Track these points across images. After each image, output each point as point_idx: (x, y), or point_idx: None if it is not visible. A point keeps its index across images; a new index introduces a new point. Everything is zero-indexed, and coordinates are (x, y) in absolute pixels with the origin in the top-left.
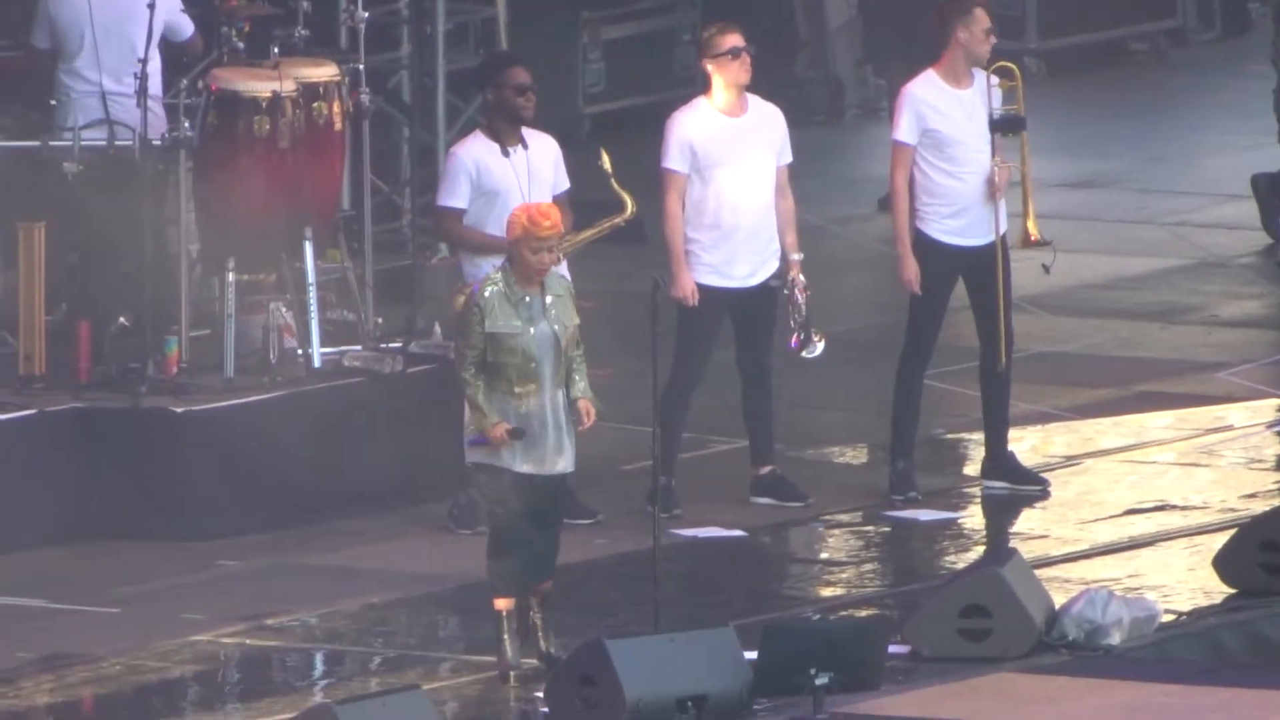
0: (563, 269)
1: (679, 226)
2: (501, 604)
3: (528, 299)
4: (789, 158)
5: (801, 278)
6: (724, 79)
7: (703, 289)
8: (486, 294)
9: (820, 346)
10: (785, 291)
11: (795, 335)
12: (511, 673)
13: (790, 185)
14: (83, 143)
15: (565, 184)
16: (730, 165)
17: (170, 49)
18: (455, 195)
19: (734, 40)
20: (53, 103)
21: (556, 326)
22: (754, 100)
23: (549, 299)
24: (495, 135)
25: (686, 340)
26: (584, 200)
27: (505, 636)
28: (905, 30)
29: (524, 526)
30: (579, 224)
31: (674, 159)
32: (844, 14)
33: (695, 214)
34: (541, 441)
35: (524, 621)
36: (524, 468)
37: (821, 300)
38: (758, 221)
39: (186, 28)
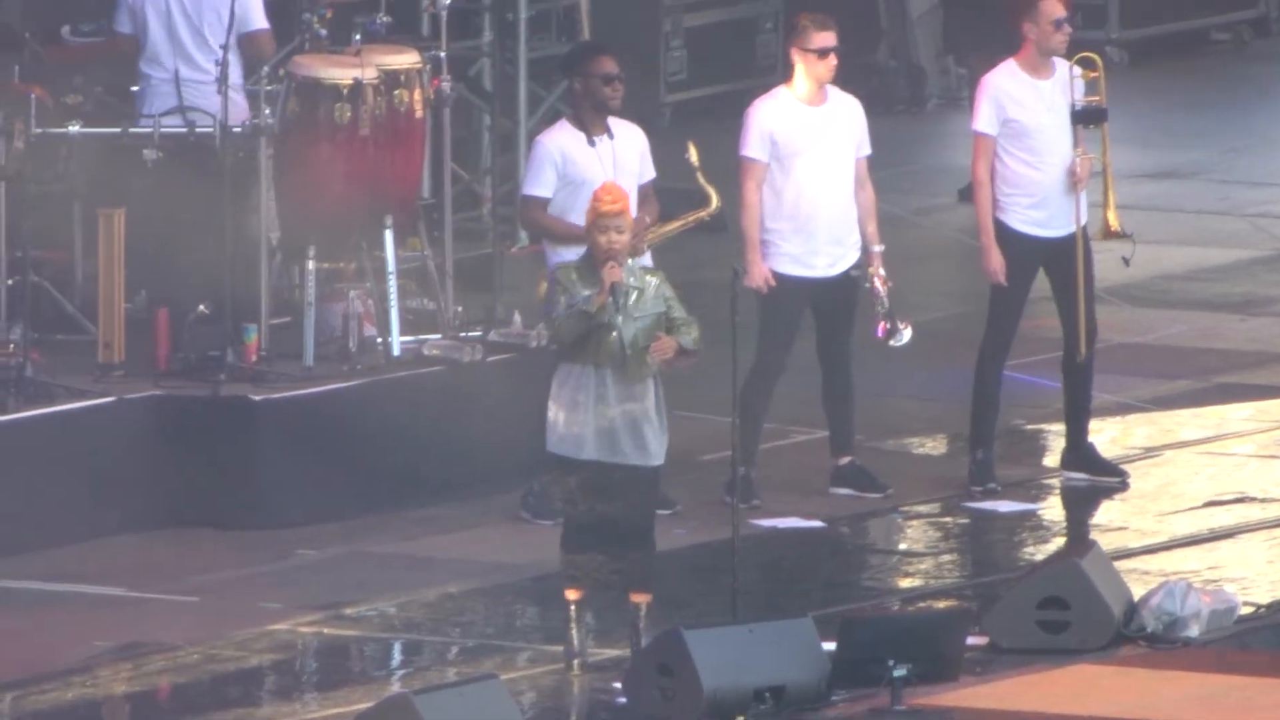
0: (646, 259)
1: (756, 215)
2: (571, 594)
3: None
4: (868, 150)
5: (883, 270)
6: (808, 71)
7: (782, 278)
8: (569, 275)
9: (907, 334)
10: (866, 284)
11: (881, 324)
12: (575, 661)
13: (870, 176)
14: (163, 130)
15: (651, 174)
16: (809, 155)
17: (239, 42)
18: (540, 184)
19: (825, 39)
20: (134, 89)
21: (635, 321)
22: (834, 91)
23: (631, 296)
24: (581, 124)
25: (767, 330)
26: (668, 190)
27: (572, 627)
28: (986, 20)
29: (596, 520)
30: (664, 214)
31: (753, 147)
32: (925, 3)
33: (774, 203)
34: (632, 425)
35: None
36: (602, 456)
37: (902, 290)
38: (837, 212)
39: (255, 20)
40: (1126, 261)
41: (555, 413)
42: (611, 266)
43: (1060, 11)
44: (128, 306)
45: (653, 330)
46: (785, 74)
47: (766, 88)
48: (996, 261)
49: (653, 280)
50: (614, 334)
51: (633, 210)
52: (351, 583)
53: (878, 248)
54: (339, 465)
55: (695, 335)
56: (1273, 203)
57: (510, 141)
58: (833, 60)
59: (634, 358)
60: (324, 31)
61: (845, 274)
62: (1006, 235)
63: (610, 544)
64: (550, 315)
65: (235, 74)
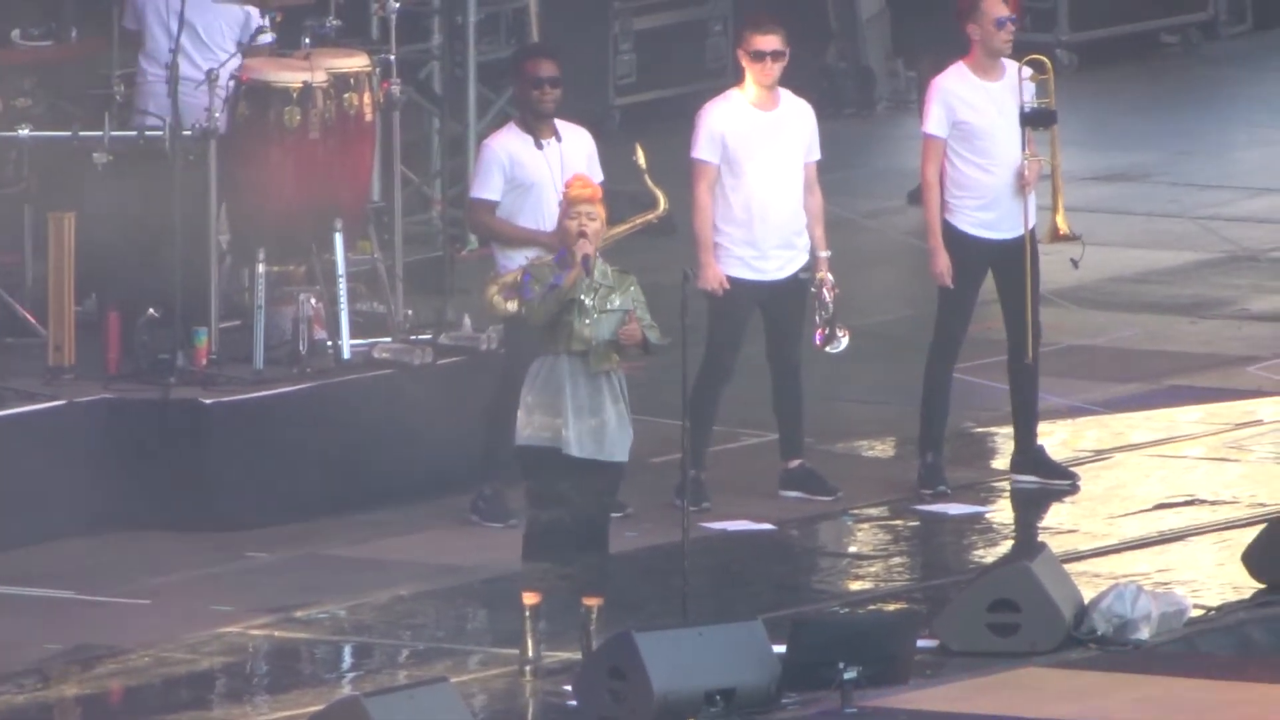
0: None
1: (708, 217)
2: (530, 599)
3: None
4: (818, 155)
5: (829, 276)
6: (751, 75)
7: (732, 281)
8: (542, 267)
9: (844, 342)
10: (812, 289)
11: (820, 330)
12: (527, 668)
13: (819, 179)
14: (113, 133)
15: (599, 176)
16: (760, 159)
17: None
18: (488, 187)
19: (766, 43)
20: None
21: (608, 314)
22: (785, 95)
23: (596, 292)
24: (528, 128)
25: (716, 333)
26: (616, 193)
27: (528, 632)
28: (934, 22)
29: (559, 519)
30: (611, 217)
31: (704, 149)
32: (875, 5)
33: (724, 206)
34: (600, 420)
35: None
36: (576, 449)
37: (851, 293)
38: (786, 216)
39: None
40: (1075, 264)
41: (528, 406)
42: (583, 241)
43: (1002, 10)
44: (78, 310)
45: (621, 323)
46: (735, 76)
47: (716, 91)
48: (944, 264)
49: (626, 280)
50: (587, 321)
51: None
52: (303, 585)
53: (824, 253)
54: (290, 468)
55: (658, 335)
56: (1222, 205)
57: (460, 145)
58: (771, 64)
59: (598, 349)
60: (273, 35)
61: (794, 276)
62: (955, 237)
63: (570, 545)
64: (526, 300)
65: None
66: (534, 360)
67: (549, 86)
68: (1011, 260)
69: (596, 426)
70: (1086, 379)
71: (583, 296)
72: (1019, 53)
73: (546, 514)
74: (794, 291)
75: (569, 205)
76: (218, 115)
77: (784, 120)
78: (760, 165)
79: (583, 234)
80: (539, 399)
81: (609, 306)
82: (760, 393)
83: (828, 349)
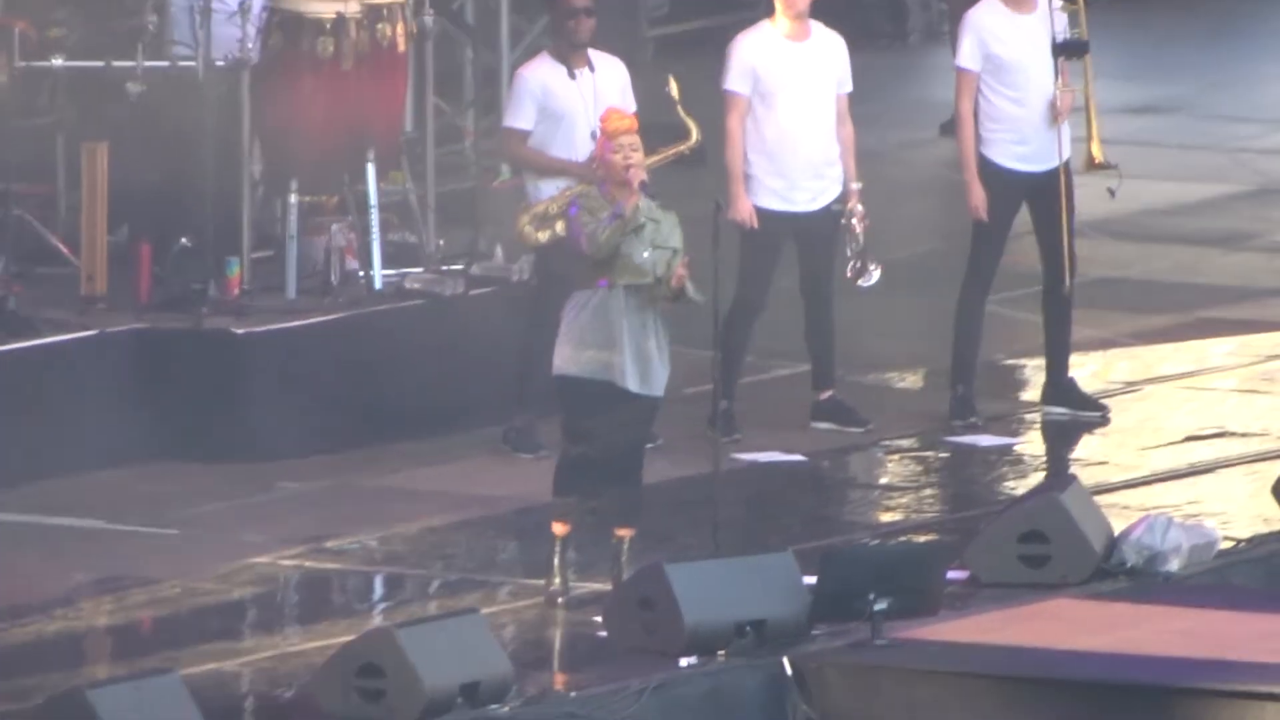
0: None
1: (739, 149)
2: (559, 529)
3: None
4: (849, 86)
5: (860, 207)
6: (782, 5)
7: (764, 213)
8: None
9: (876, 275)
10: (843, 221)
11: (851, 264)
12: (559, 599)
13: (850, 112)
14: (146, 64)
15: (632, 107)
16: (791, 90)
17: None
18: (520, 117)
19: None
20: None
21: (656, 250)
22: (817, 27)
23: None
24: (561, 58)
25: (748, 264)
26: (649, 125)
27: (556, 562)
28: None
29: (595, 450)
30: (645, 148)
31: (735, 81)
32: None
33: (756, 137)
34: (645, 354)
35: (615, 555)
36: (635, 385)
37: (883, 226)
38: (818, 148)
39: None
40: (1112, 193)
41: (577, 338)
42: (633, 170)
43: None
44: (111, 240)
45: (672, 263)
46: (769, 8)
47: (749, 22)
48: (979, 197)
49: (670, 218)
50: (645, 254)
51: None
52: (334, 516)
53: (856, 185)
54: (322, 399)
55: (695, 289)
56: (1254, 138)
57: (493, 75)
58: None
59: (655, 282)
60: None
61: (826, 209)
62: (990, 170)
63: (605, 477)
64: (587, 236)
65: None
66: (571, 291)
67: (584, 16)
68: (1047, 192)
69: (646, 361)
70: (1117, 311)
71: (643, 226)
72: None
73: (582, 446)
74: (826, 223)
75: (609, 139)
76: (250, 46)
77: (816, 52)
78: (791, 96)
79: (629, 164)
80: (590, 332)
81: (664, 242)
82: (792, 324)
83: (859, 282)
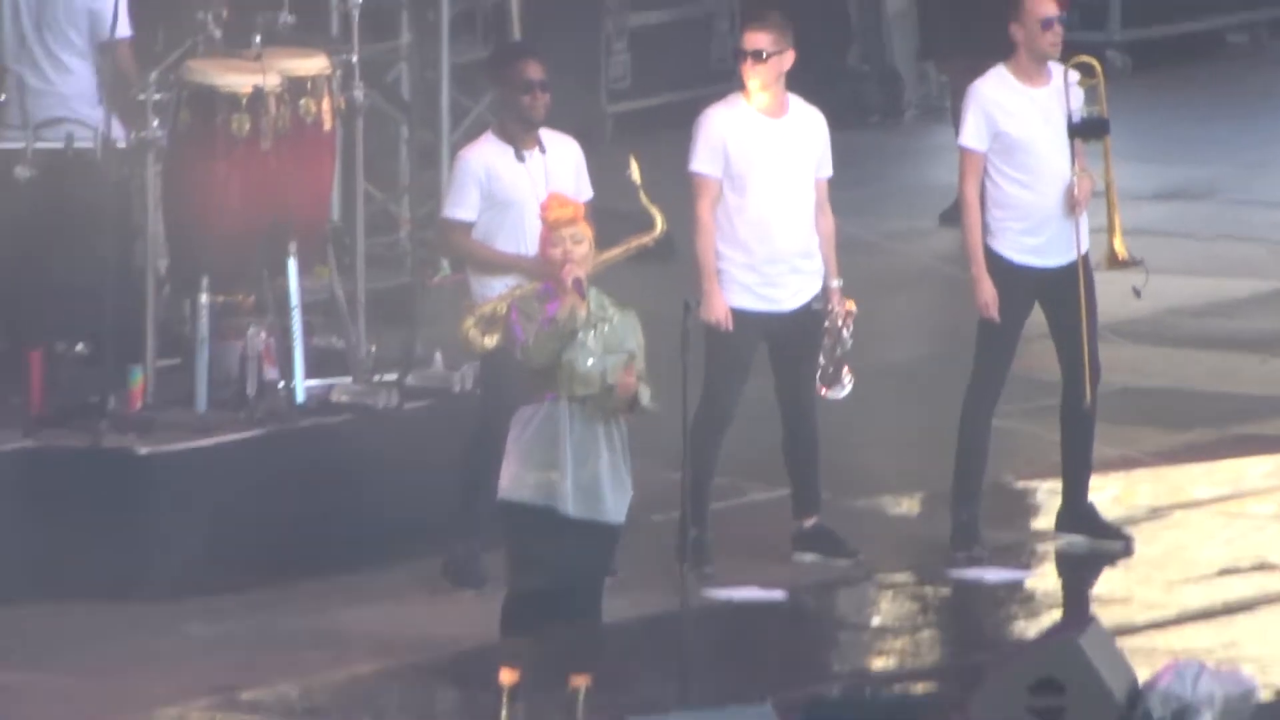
0: None
1: (711, 240)
2: (507, 677)
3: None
4: (829, 171)
5: (847, 307)
6: (748, 80)
7: (736, 313)
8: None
9: (849, 386)
10: (826, 323)
11: (821, 370)
12: None
13: (832, 200)
14: (37, 144)
15: (588, 193)
16: (766, 172)
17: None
18: (463, 205)
19: (753, 41)
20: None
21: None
22: (795, 102)
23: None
24: (508, 137)
25: (717, 371)
26: (608, 211)
27: (504, 715)
28: (967, 20)
29: (546, 587)
30: (603, 239)
31: (704, 161)
32: (901, 1)
33: (728, 226)
34: (592, 475)
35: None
36: (577, 511)
37: (875, 326)
38: (797, 236)
39: (118, 26)
40: (1138, 293)
41: (519, 458)
42: (568, 267)
43: (1049, 10)
44: None
45: (623, 367)
46: (741, 81)
47: (720, 96)
48: (989, 293)
49: (629, 317)
50: (589, 360)
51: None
52: (250, 663)
53: (836, 283)
54: (236, 527)
55: (650, 397)
56: None
57: (431, 156)
58: (754, 64)
59: (606, 391)
60: (219, 32)
61: (807, 306)
62: (998, 264)
63: (558, 616)
64: (519, 341)
65: (89, 86)
66: (519, 405)
67: (539, 90)
68: (1063, 290)
69: (593, 483)
70: (1143, 426)
71: (582, 331)
72: (1066, 54)
73: (530, 580)
74: (806, 323)
75: (549, 230)
76: (155, 123)
77: (793, 129)
78: (766, 179)
79: (569, 261)
80: (532, 450)
81: (619, 345)
82: (769, 439)
83: (826, 393)
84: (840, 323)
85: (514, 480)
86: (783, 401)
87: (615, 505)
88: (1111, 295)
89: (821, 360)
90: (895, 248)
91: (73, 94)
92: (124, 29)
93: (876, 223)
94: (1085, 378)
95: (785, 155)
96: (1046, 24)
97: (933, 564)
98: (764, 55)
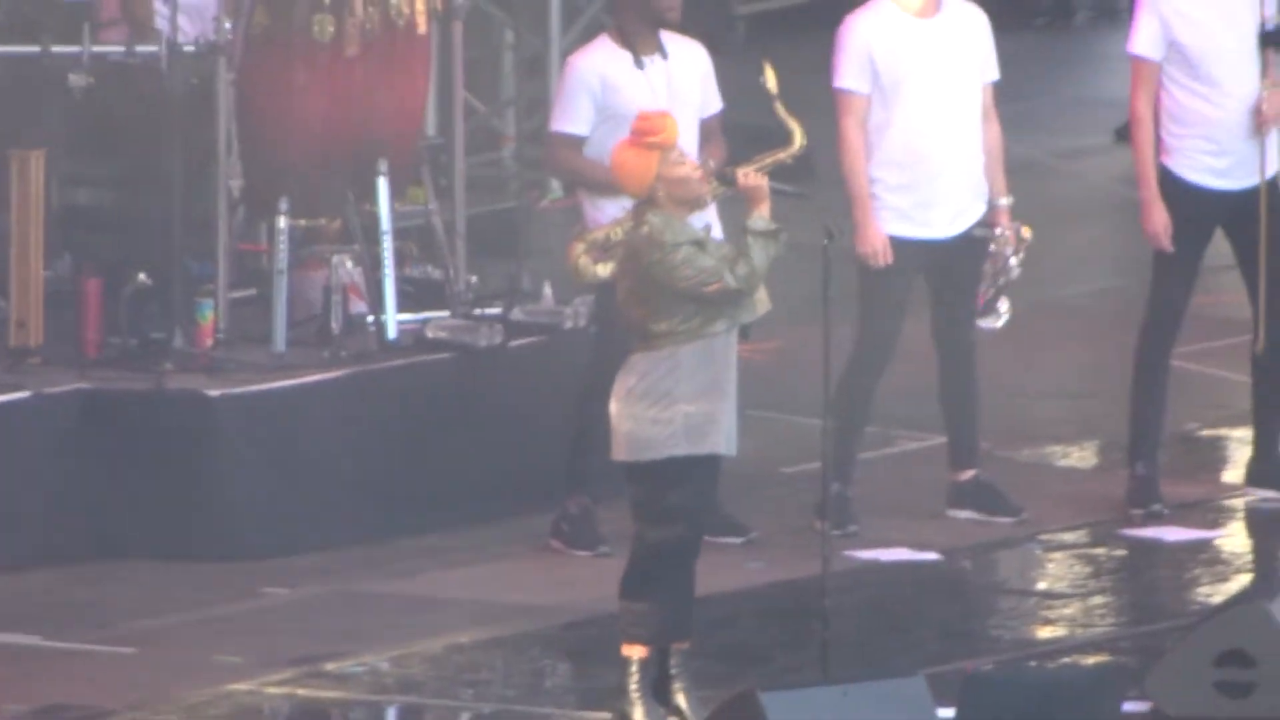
0: (711, 214)
1: (861, 163)
2: (634, 651)
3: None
4: (995, 74)
5: (1018, 230)
6: None
7: (892, 241)
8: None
9: (1005, 316)
10: (992, 248)
11: (981, 296)
12: None
13: (995, 109)
14: (94, 49)
15: (717, 105)
16: (922, 80)
17: None
18: (575, 119)
19: None
20: None
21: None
22: (951, 1)
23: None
24: (627, 42)
25: (871, 308)
26: (740, 126)
27: (634, 694)
28: None
29: (689, 540)
30: (734, 157)
31: (851, 75)
32: None
33: (878, 145)
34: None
35: (663, 670)
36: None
37: (1040, 257)
38: (957, 154)
39: None
40: None
41: (669, 400)
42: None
43: None
44: (47, 275)
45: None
46: None
47: None
48: (1160, 220)
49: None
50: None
51: (691, 150)
52: (334, 631)
53: (1005, 201)
54: (318, 480)
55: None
56: None
57: (539, 65)
58: None
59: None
60: None
61: (967, 233)
62: (1174, 187)
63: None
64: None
65: None
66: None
67: None
68: (1248, 217)
69: (731, 417)
70: None
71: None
72: None
73: (669, 532)
74: (968, 253)
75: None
76: (228, 26)
77: (949, 31)
78: (920, 90)
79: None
80: (689, 391)
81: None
82: (923, 383)
83: (981, 323)
84: (1009, 248)
85: (663, 427)
86: (940, 341)
87: (728, 439)
88: None
89: (983, 287)
90: (1064, 168)
91: None
92: None
93: (1044, 140)
94: (1261, 318)
95: (941, 59)
96: None
97: (1106, 523)
98: None
